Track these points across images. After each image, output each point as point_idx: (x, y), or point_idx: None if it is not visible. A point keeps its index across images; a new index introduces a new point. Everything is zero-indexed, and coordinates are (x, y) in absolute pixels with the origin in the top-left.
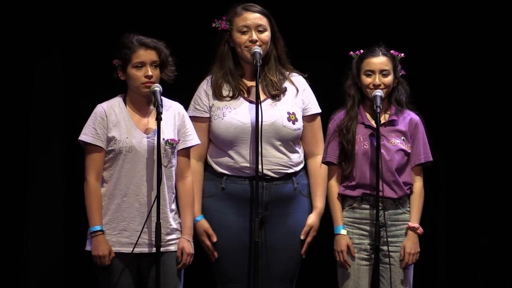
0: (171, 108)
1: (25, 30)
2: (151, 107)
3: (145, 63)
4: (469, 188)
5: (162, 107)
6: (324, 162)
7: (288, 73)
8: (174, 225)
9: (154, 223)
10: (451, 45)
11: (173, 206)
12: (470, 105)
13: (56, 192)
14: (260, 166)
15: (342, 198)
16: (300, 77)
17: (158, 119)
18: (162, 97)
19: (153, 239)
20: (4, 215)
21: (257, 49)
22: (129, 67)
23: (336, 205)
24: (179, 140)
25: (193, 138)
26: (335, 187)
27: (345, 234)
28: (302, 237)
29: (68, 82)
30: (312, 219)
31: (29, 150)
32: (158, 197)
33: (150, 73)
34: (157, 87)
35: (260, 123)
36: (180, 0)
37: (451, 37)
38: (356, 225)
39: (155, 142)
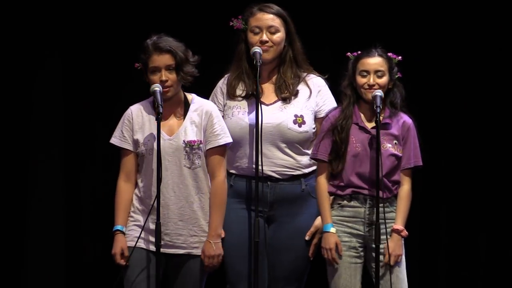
0: (199, 108)
1: (25, 34)
2: (179, 108)
3: (160, 67)
4: (469, 189)
5: (162, 107)
6: (314, 158)
7: (305, 74)
8: (204, 226)
9: (186, 223)
10: (448, 48)
11: (205, 206)
12: (467, 107)
13: (56, 196)
14: (260, 167)
15: (332, 196)
16: (318, 78)
17: (158, 119)
18: (195, 96)
19: (185, 240)
20: (4, 218)
21: (256, 49)
22: (147, 71)
23: (325, 203)
24: (200, 141)
25: (222, 137)
26: (324, 185)
27: (334, 232)
28: (307, 238)
29: (67, 85)
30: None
31: (29, 153)
32: (158, 197)
33: (164, 77)
34: (157, 87)
35: (260, 123)
36: (190, 2)
37: (448, 40)
38: (345, 223)
39: (178, 143)
